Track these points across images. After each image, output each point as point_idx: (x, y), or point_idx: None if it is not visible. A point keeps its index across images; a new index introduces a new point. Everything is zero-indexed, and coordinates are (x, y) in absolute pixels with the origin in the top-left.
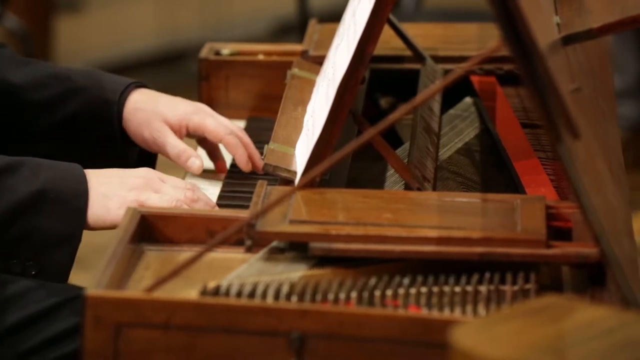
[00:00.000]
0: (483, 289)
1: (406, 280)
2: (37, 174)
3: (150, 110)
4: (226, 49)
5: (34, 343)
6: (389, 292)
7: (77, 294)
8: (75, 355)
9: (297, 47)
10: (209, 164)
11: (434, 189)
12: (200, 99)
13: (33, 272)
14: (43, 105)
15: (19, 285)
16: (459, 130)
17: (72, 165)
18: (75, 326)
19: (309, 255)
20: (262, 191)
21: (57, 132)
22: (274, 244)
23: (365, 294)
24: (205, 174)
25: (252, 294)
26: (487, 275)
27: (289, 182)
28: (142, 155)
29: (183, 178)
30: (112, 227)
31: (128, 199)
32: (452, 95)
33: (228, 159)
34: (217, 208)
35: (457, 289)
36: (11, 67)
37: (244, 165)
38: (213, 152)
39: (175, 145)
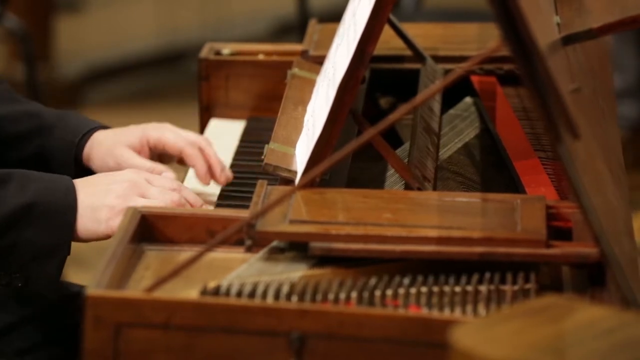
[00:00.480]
0: (483, 288)
1: (406, 280)
2: (25, 186)
3: (111, 142)
4: (226, 49)
5: (33, 341)
6: (389, 292)
7: (77, 293)
8: (75, 355)
9: (297, 47)
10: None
11: (434, 188)
12: (200, 99)
13: (19, 284)
14: (12, 139)
15: None
16: (459, 130)
17: (61, 177)
18: (75, 326)
19: (309, 255)
20: (262, 191)
21: (23, 167)
22: (274, 243)
23: (366, 294)
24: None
25: (252, 294)
26: (487, 275)
27: (289, 182)
28: None
29: (183, 180)
30: (105, 238)
31: (116, 209)
32: (452, 95)
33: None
34: (204, 206)
35: (457, 288)
36: None
37: (202, 177)
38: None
39: (142, 164)
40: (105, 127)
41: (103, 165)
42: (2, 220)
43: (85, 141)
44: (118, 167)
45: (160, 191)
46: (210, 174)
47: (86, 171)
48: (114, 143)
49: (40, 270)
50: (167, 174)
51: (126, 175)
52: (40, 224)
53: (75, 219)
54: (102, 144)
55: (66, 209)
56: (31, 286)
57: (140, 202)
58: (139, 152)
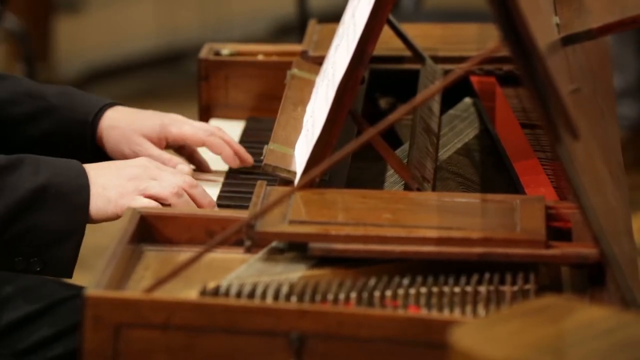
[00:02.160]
0: (482, 289)
1: (406, 281)
2: (37, 170)
3: (127, 126)
4: (226, 49)
5: (32, 342)
6: (388, 293)
7: (76, 293)
8: (74, 355)
9: (296, 47)
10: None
11: (434, 189)
12: (200, 99)
13: (38, 269)
14: (16, 121)
15: (17, 285)
16: (459, 130)
17: (70, 160)
18: (74, 326)
19: (309, 255)
20: (262, 191)
21: (29, 149)
22: (274, 244)
23: (365, 295)
24: (204, 174)
25: (251, 294)
26: (487, 275)
27: (288, 182)
28: None
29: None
30: (114, 218)
31: (128, 189)
32: (451, 95)
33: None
34: (213, 201)
35: (457, 289)
36: None
37: (232, 161)
38: (192, 156)
39: (159, 155)
40: (113, 103)
41: (116, 150)
42: (16, 205)
43: (99, 119)
44: (133, 154)
45: (172, 173)
46: (238, 156)
47: (100, 152)
48: (130, 130)
49: (56, 254)
50: (182, 166)
51: (138, 160)
52: (54, 206)
53: (88, 199)
54: (116, 128)
55: (79, 189)
56: (49, 270)
57: (152, 184)
58: (156, 144)
